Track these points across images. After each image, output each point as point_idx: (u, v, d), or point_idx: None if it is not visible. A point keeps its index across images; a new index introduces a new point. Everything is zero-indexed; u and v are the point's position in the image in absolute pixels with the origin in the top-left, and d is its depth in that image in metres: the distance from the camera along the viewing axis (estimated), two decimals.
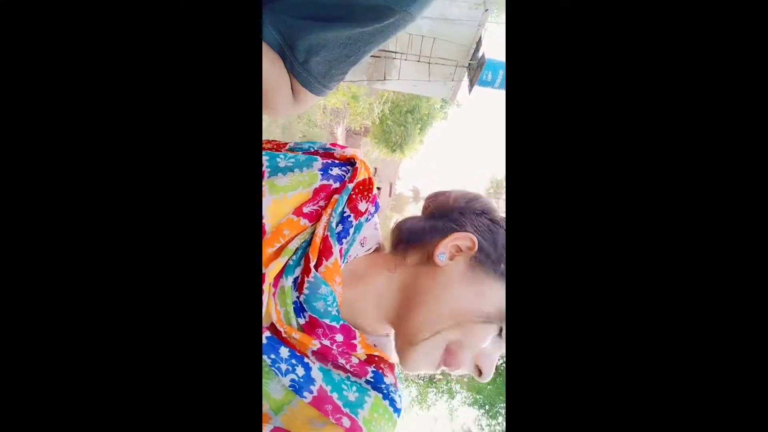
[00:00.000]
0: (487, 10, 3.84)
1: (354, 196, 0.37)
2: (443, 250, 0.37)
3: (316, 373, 0.34)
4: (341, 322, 0.35)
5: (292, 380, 0.32)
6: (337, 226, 0.36)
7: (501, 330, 0.36)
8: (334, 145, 0.40)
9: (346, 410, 0.32)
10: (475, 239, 0.37)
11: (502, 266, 0.37)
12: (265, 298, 0.33)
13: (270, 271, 0.33)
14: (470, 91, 5.43)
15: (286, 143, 0.40)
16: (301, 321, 0.35)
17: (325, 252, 0.35)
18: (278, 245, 0.34)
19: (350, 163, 0.39)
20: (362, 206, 0.37)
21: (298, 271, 0.35)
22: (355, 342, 0.36)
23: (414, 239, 0.40)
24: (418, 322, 0.36)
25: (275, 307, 0.34)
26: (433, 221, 0.41)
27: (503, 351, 0.37)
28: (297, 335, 0.34)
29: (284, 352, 0.33)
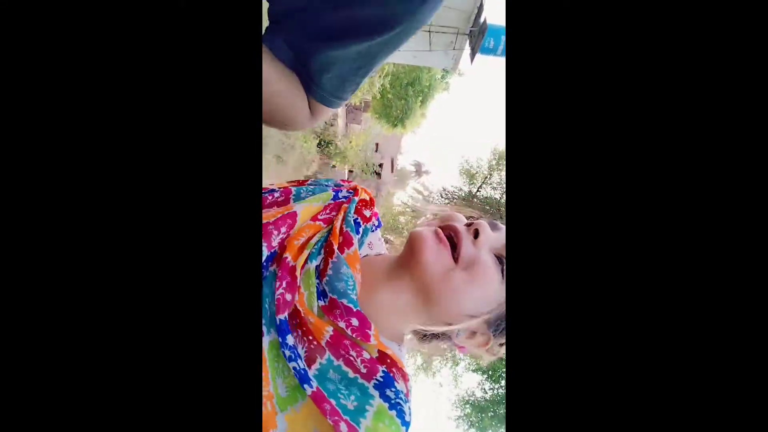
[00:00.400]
0: None
1: (359, 207, 0.45)
2: None
3: (312, 377, 0.34)
4: (358, 308, 0.36)
5: (295, 368, 0.33)
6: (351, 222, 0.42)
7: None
8: (343, 181, 0.49)
9: (346, 417, 0.32)
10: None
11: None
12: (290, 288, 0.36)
13: (299, 263, 0.37)
14: (472, 60, 5.25)
15: (307, 180, 0.48)
16: (322, 303, 0.37)
17: (346, 243, 0.40)
18: (303, 239, 0.39)
19: (355, 189, 0.47)
20: (367, 213, 0.45)
21: (319, 259, 0.39)
22: (369, 332, 0.36)
23: None
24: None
25: (299, 290, 0.36)
26: None
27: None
28: (313, 319, 0.35)
29: (290, 339, 0.34)
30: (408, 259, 0.39)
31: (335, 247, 0.38)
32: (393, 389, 0.34)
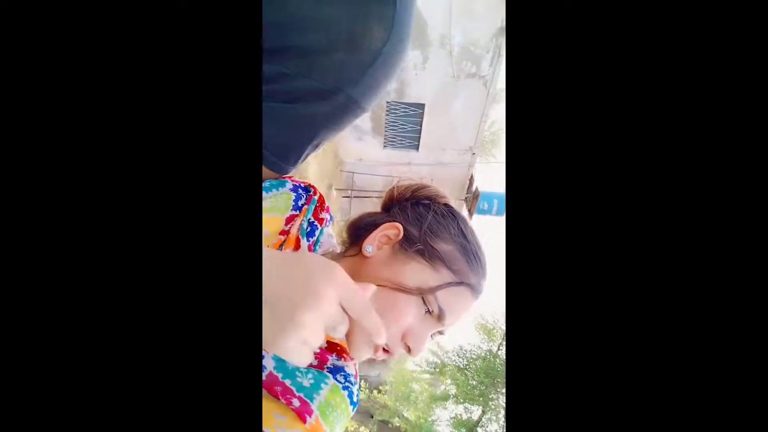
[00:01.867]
0: (474, 153, 5.13)
1: (317, 209, 0.46)
2: (370, 241, 0.42)
3: (268, 361, 0.35)
4: None
5: None
6: (307, 227, 0.44)
7: (428, 309, 0.38)
8: (293, 180, 0.47)
9: (300, 394, 0.33)
10: (400, 227, 0.42)
11: (420, 246, 0.40)
12: None
13: None
14: (470, 219, 5.15)
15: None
16: None
17: (296, 247, 0.41)
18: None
19: (308, 187, 0.47)
20: (323, 215, 0.46)
21: None
22: None
23: (354, 233, 0.45)
24: None
25: None
26: (376, 216, 0.46)
27: (435, 328, 0.40)
28: None
29: None
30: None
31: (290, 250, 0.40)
32: (343, 373, 0.38)
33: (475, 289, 0.42)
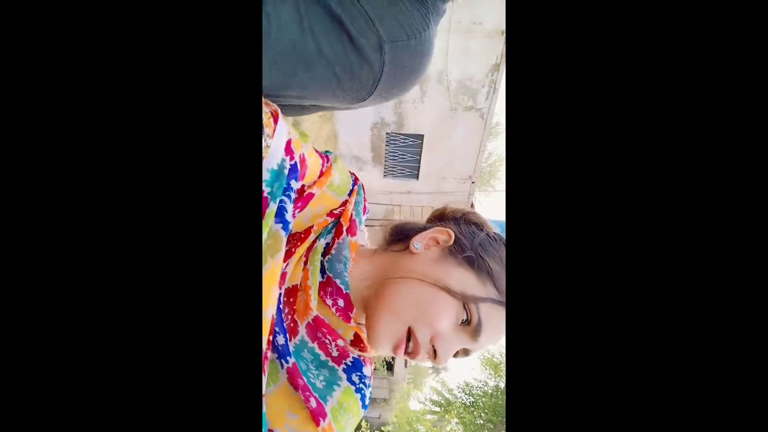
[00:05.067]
0: (473, 182, 5.25)
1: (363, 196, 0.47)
2: (420, 239, 0.42)
3: (290, 352, 0.36)
4: (348, 291, 0.39)
5: (275, 344, 0.34)
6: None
7: (465, 318, 0.38)
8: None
9: (316, 395, 0.34)
10: (452, 233, 0.42)
11: (471, 254, 0.40)
12: (291, 266, 0.38)
13: (300, 247, 0.39)
14: None
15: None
16: (321, 279, 0.40)
17: (351, 230, 0.42)
18: (305, 236, 0.41)
19: (356, 177, 0.47)
20: (365, 204, 0.48)
21: (329, 237, 0.42)
22: (351, 314, 0.39)
23: (400, 233, 0.46)
24: (385, 299, 0.39)
25: (303, 266, 0.40)
26: (424, 223, 0.48)
27: (465, 344, 0.39)
28: (308, 299, 0.37)
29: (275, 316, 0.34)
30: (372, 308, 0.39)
31: (344, 228, 0.41)
32: (359, 373, 0.38)
33: None
